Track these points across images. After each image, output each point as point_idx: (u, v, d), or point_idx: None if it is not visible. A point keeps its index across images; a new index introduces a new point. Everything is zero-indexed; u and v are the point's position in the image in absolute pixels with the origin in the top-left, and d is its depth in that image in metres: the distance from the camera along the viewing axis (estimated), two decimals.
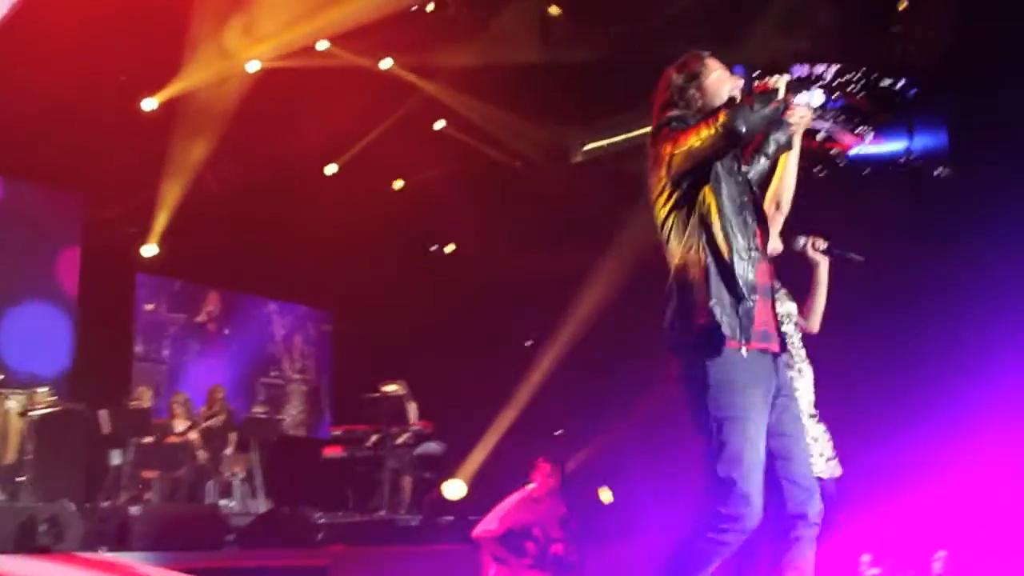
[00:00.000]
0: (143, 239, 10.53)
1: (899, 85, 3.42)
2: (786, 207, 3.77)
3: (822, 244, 4.29)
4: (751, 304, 3.11)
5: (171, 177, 10.07)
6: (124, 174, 9.89)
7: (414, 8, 9.16)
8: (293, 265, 11.44)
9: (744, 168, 3.33)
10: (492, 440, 10.22)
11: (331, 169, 11.16)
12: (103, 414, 8.97)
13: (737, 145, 3.19)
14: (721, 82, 3.37)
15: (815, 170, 3.98)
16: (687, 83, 3.38)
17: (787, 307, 4.19)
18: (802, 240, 4.27)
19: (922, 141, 7.19)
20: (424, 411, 9.96)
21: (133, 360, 11.45)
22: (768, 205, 3.67)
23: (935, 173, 5.84)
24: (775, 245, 4.07)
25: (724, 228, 3.15)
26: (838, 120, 3.46)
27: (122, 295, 11.42)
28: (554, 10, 8.82)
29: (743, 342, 3.07)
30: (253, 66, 9.40)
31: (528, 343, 10.54)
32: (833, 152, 3.84)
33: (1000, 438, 6.61)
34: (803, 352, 4.21)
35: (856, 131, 3.63)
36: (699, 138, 3.14)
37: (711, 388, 3.06)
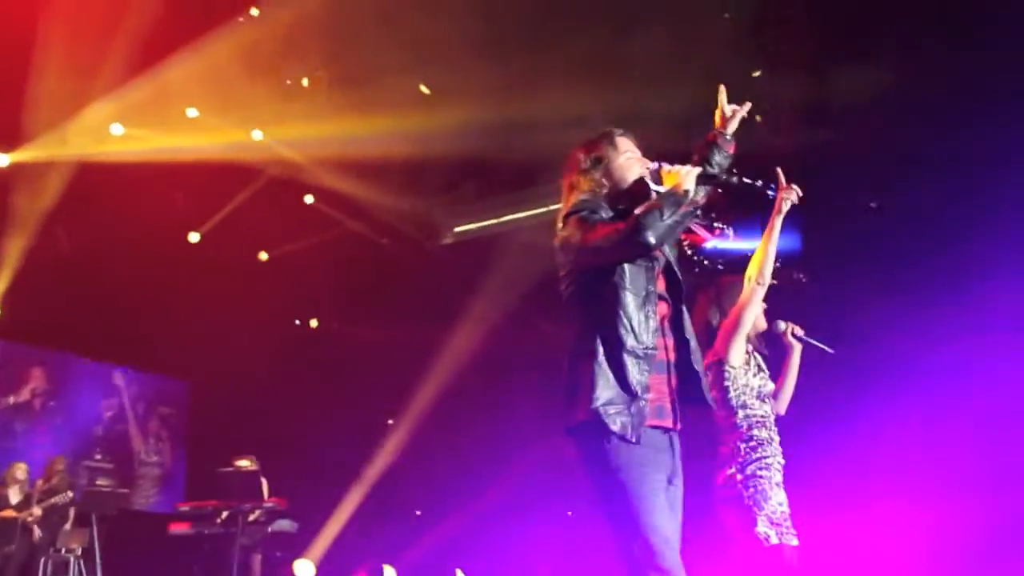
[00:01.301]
0: None
1: (759, 183, 3.42)
2: (767, 280, 3.95)
3: (799, 331, 4.48)
4: (644, 403, 3.01)
5: (16, 235, 9.64)
6: None
7: (288, 82, 9.19)
8: (149, 333, 11.05)
9: (656, 255, 3.17)
10: (343, 518, 10.03)
11: (195, 237, 10.95)
12: None
13: (646, 254, 3.07)
14: (630, 165, 3.27)
15: None
16: (593, 166, 3.27)
17: (769, 387, 4.31)
18: (783, 325, 4.46)
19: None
20: (278, 487, 9.70)
21: None
22: (749, 279, 3.85)
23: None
24: (759, 323, 4.29)
25: (620, 326, 3.03)
26: (695, 213, 3.38)
27: None
28: (425, 90, 8.98)
29: (634, 440, 2.97)
30: (117, 129, 9.20)
31: (389, 422, 10.48)
32: (686, 244, 3.86)
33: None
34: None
35: (713, 226, 3.76)
36: (608, 240, 3.04)
37: (615, 471, 2.96)
